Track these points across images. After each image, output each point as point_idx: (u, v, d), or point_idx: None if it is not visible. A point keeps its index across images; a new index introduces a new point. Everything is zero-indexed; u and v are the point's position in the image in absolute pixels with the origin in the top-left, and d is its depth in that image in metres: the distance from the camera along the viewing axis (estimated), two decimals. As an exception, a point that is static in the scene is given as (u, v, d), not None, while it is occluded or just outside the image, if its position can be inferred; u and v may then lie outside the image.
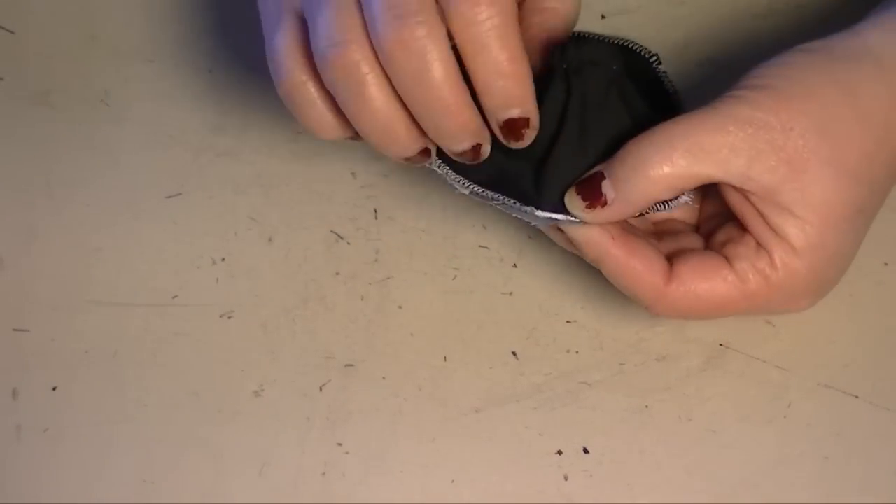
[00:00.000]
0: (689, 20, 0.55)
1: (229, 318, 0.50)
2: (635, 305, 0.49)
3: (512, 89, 0.38)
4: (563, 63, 0.42)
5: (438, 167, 0.43)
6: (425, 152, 0.41)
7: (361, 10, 0.38)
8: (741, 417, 0.47)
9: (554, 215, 0.42)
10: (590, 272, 0.50)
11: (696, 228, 0.46)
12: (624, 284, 0.43)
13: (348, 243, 0.51)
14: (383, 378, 0.48)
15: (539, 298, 0.50)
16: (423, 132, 0.40)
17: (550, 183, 0.42)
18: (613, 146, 0.42)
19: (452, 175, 0.43)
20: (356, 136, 0.41)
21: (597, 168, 0.41)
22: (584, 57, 0.43)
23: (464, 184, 0.43)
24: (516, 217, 0.44)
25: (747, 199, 0.41)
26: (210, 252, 0.51)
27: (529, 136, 0.40)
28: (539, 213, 0.42)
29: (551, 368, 0.48)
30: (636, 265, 0.42)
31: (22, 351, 0.49)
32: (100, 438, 0.47)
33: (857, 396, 0.47)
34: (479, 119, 0.39)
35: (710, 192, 0.46)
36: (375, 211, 0.52)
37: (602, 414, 0.47)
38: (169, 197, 0.52)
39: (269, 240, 0.51)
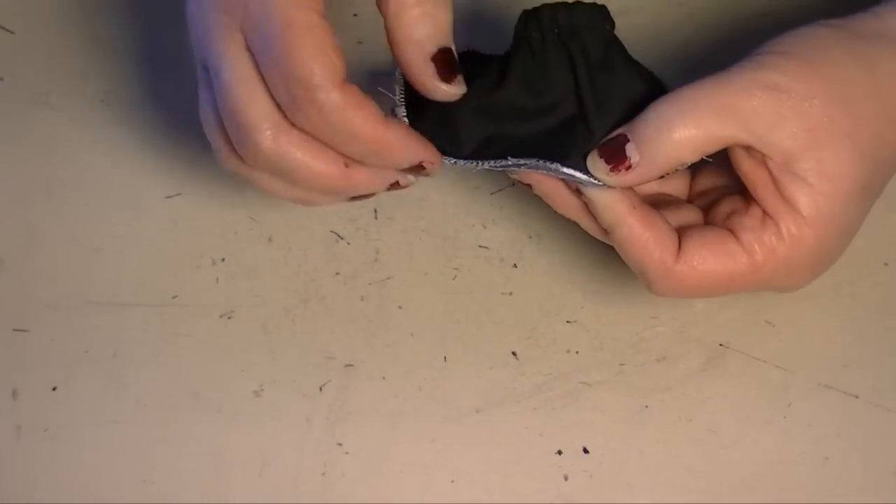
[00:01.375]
0: (689, 20, 0.55)
1: (229, 318, 0.50)
2: (635, 305, 0.49)
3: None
4: (554, 28, 0.42)
5: (451, 163, 0.43)
6: (396, 185, 0.42)
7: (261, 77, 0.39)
8: (741, 417, 0.47)
9: (577, 174, 0.41)
10: (590, 272, 0.50)
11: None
12: (633, 256, 0.42)
13: (348, 243, 0.51)
14: (383, 378, 0.48)
15: (539, 298, 0.50)
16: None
17: (571, 146, 0.42)
18: (630, 107, 0.42)
19: (463, 163, 0.42)
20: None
21: (620, 130, 0.41)
22: (574, 21, 0.42)
23: (478, 165, 0.43)
24: (542, 173, 0.43)
25: (764, 164, 0.40)
26: (210, 252, 0.51)
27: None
28: (564, 168, 0.41)
29: (551, 368, 0.48)
30: (649, 238, 0.41)
31: (22, 351, 0.49)
32: (100, 438, 0.47)
33: (857, 396, 0.47)
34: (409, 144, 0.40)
35: (701, 168, 0.46)
36: (375, 211, 0.52)
37: (602, 414, 0.47)
38: (169, 197, 0.52)
39: (269, 240, 0.51)
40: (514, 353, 0.49)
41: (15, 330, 0.50)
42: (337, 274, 0.51)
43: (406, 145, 0.40)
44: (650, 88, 0.43)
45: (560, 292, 0.50)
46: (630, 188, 0.42)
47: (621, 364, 0.48)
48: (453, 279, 0.50)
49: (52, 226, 0.52)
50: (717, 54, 0.54)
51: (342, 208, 0.52)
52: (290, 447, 0.47)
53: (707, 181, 0.46)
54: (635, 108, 0.41)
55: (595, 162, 0.41)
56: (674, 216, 0.44)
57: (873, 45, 0.41)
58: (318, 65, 0.37)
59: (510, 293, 0.50)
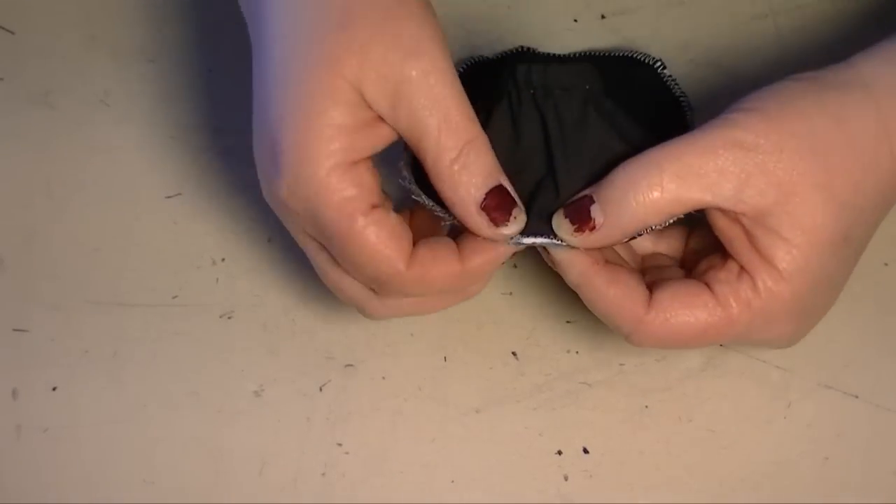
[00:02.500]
0: (689, 20, 0.55)
1: (229, 318, 0.50)
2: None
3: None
4: (529, 89, 0.43)
5: (423, 200, 0.42)
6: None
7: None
8: (741, 417, 0.47)
9: (539, 239, 0.42)
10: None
11: (681, 264, 0.45)
12: (603, 312, 0.42)
13: (348, 243, 0.51)
14: (383, 378, 0.48)
15: (539, 298, 0.50)
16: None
17: (537, 207, 0.42)
18: (601, 168, 0.42)
19: (438, 209, 0.42)
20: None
21: (585, 192, 0.41)
22: (549, 82, 0.43)
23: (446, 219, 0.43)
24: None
25: (738, 221, 0.40)
26: (210, 252, 0.51)
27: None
28: (524, 239, 0.41)
29: (551, 368, 0.48)
30: (615, 294, 0.41)
31: (22, 351, 0.49)
32: (100, 438, 0.47)
33: (857, 396, 0.47)
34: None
35: (696, 228, 0.45)
36: (375, 211, 0.52)
37: (602, 414, 0.47)
38: (169, 197, 0.52)
39: (269, 240, 0.51)
40: (514, 353, 0.49)
41: (15, 330, 0.50)
42: (337, 274, 0.51)
43: (489, 259, 0.41)
44: (625, 144, 0.43)
45: (560, 292, 0.50)
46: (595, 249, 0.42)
47: (621, 364, 0.48)
48: (453, 279, 0.50)
49: (52, 226, 0.52)
50: (717, 54, 0.54)
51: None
52: (290, 447, 0.47)
53: (699, 241, 0.45)
54: (608, 168, 0.41)
55: (560, 222, 0.41)
56: (657, 274, 0.44)
57: (844, 94, 0.40)
58: (385, 261, 0.39)
59: (510, 293, 0.50)
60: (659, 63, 0.46)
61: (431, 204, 0.41)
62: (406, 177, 0.42)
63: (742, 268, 0.40)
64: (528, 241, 0.41)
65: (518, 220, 0.40)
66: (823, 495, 0.45)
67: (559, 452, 0.47)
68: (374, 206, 0.39)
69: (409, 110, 0.38)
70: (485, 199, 0.40)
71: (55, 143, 0.54)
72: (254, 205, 0.52)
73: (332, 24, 0.39)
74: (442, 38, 0.39)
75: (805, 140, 0.39)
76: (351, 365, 0.49)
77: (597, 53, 0.48)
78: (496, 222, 0.40)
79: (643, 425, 0.47)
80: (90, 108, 0.54)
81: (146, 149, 0.54)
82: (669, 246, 0.46)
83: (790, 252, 0.39)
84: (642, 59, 0.46)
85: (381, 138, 0.39)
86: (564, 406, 0.48)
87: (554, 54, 0.47)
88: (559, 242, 0.42)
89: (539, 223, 0.42)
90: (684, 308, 0.41)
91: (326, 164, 0.38)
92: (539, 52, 0.47)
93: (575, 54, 0.48)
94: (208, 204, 0.52)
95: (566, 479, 0.46)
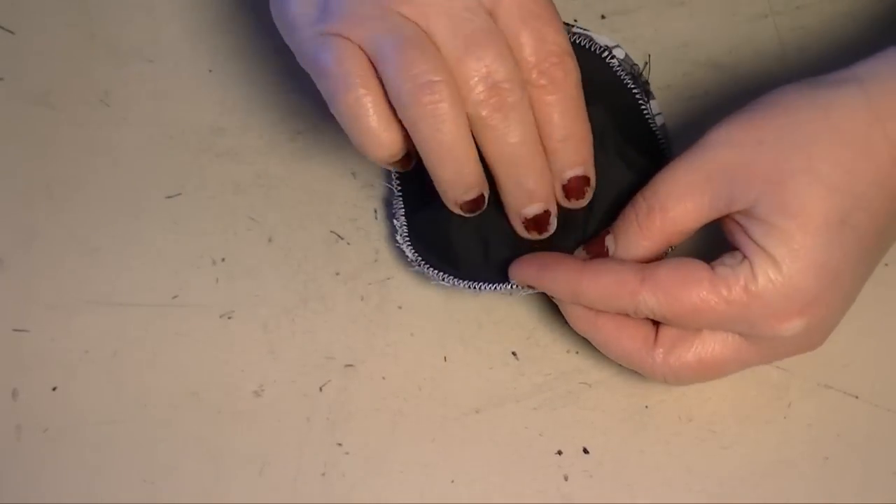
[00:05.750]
0: (689, 20, 0.55)
1: (229, 318, 0.50)
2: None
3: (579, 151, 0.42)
4: None
5: (441, 279, 0.47)
6: (480, 199, 0.43)
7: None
8: (741, 417, 0.47)
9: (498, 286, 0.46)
10: (590, 272, 0.50)
11: None
12: (617, 357, 0.44)
13: (348, 243, 0.51)
14: (383, 378, 0.48)
15: (539, 298, 0.50)
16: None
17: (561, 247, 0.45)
18: (614, 201, 0.45)
19: (444, 280, 0.46)
20: (405, 159, 0.43)
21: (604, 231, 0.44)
22: None
23: (447, 282, 0.47)
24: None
25: (733, 218, 0.41)
26: (210, 252, 0.51)
27: (589, 195, 0.44)
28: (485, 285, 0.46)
29: (551, 368, 0.48)
30: (622, 337, 0.43)
31: (22, 351, 0.49)
32: (100, 438, 0.47)
33: (857, 396, 0.47)
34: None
35: None
36: (375, 211, 0.52)
37: (602, 414, 0.47)
38: (169, 197, 0.52)
39: (269, 240, 0.51)
40: (514, 353, 0.49)
41: (15, 330, 0.50)
42: (337, 274, 0.51)
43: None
44: (635, 176, 0.45)
45: (560, 292, 0.50)
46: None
47: (621, 364, 0.48)
48: (453, 279, 0.50)
49: (52, 226, 0.52)
50: (717, 54, 0.54)
51: (342, 208, 0.52)
52: (290, 447, 0.47)
53: None
54: (619, 200, 0.44)
55: (577, 253, 0.45)
56: None
57: (835, 89, 0.41)
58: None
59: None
60: (606, 52, 0.46)
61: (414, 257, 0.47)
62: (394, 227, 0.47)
63: (745, 256, 0.41)
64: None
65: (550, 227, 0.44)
66: (823, 495, 0.45)
67: (559, 452, 0.47)
68: None
69: None
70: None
71: (55, 143, 0.54)
72: (254, 205, 0.52)
73: None
74: None
75: (786, 131, 0.40)
76: (351, 365, 0.49)
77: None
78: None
79: (643, 425, 0.47)
80: (90, 108, 0.54)
81: (146, 149, 0.54)
82: None
83: (780, 237, 0.40)
84: (588, 45, 0.46)
85: None
86: (564, 406, 0.48)
87: None
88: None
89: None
90: (683, 284, 0.41)
91: None
92: None
93: None
94: (208, 204, 0.52)
95: (566, 479, 0.46)
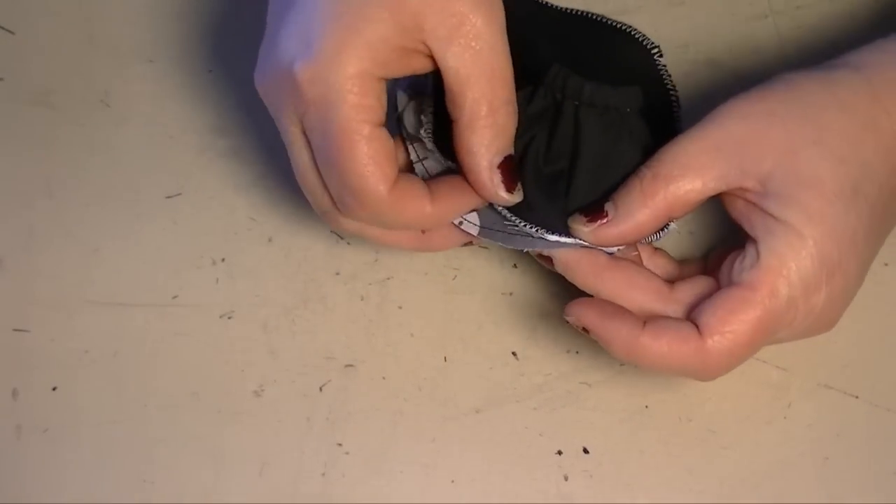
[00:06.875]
0: (689, 20, 0.55)
1: (229, 318, 0.50)
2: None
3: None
4: (574, 101, 0.43)
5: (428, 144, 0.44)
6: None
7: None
8: (741, 417, 0.47)
9: (562, 238, 0.43)
10: (590, 272, 0.50)
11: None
12: (663, 368, 0.42)
13: (348, 243, 0.51)
14: (383, 378, 0.48)
15: (539, 298, 0.50)
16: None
17: (562, 213, 0.44)
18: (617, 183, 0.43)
19: (439, 154, 0.44)
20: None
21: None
22: (595, 100, 0.43)
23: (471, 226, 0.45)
24: (522, 251, 0.45)
25: (748, 200, 0.41)
26: (210, 252, 0.51)
27: None
28: (549, 236, 0.43)
29: (551, 368, 0.48)
30: (665, 347, 0.41)
31: (22, 351, 0.49)
32: (100, 438, 0.47)
33: (857, 396, 0.47)
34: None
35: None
36: (375, 211, 0.52)
37: (602, 414, 0.47)
38: (169, 197, 0.52)
39: (269, 240, 0.52)
40: (514, 353, 0.49)
41: (15, 330, 0.50)
42: (337, 274, 0.51)
43: (456, 210, 0.43)
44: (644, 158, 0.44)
45: (560, 292, 0.50)
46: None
47: (621, 364, 0.48)
48: (453, 279, 0.50)
49: (52, 226, 0.52)
50: (717, 54, 0.54)
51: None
52: (290, 447, 0.47)
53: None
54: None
55: (575, 218, 0.43)
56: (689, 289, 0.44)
57: (836, 70, 0.42)
58: (371, 178, 0.40)
59: (510, 293, 0.50)
60: (656, 50, 0.46)
61: (433, 147, 0.43)
62: (420, 121, 0.44)
63: (756, 250, 0.41)
64: (538, 248, 0.44)
65: (517, 194, 0.42)
66: (823, 495, 0.45)
67: (559, 452, 0.47)
68: (380, 125, 0.40)
69: (464, 48, 0.39)
70: (502, 161, 0.41)
71: (55, 143, 0.54)
72: (254, 205, 0.52)
73: None
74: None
75: (794, 104, 0.41)
76: (351, 365, 0.49)
77: (595, 17, 0.47)
78: (506, 187, 0.41)
79: (643, 425, 0.47)
80: (90, 108, 0.55)
81: (146, 149, 0.54)
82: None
83: (798, 207, 0.40)
84: (641, 39, 0.46)
85: (411, 68, 0.40)
86: (564, 406, 0.48)
87: (559, 8, 0.47)
88: (566, 240, 0.43)
89: (538, 216, 0.43)
90: (729, 315, 0.40)
91: (361, 66, 0.39)
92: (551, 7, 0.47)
93: (573, 10, 0.47)
94: (208, 204, 0.52)
95: (566, 479, 0.46)
